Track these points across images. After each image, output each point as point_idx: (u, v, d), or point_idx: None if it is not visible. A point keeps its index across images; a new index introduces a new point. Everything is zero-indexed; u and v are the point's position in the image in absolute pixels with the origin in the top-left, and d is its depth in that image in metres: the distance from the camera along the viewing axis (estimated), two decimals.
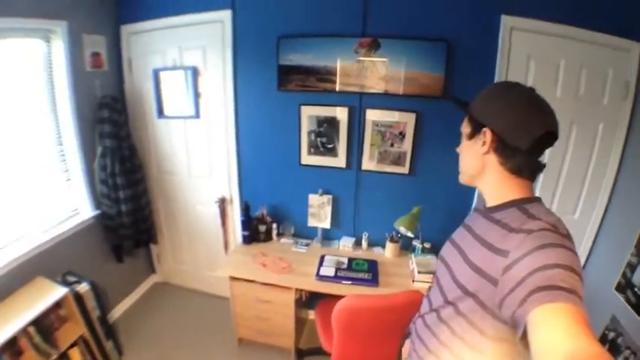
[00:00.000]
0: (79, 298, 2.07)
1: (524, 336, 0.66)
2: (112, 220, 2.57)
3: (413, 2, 2.12)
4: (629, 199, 2.08)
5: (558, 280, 0.65)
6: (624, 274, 1.94)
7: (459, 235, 1.05)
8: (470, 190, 2.39)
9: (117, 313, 2.80)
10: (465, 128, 0.98)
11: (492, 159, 0.91)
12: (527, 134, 0.84)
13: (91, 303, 2.16)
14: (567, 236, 0.76)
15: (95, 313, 2.20)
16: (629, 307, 1.88)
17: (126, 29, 2.56)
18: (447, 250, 1.08)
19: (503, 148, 0.88)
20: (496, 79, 2.12)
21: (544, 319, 0.61)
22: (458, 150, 1.04)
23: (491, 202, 0.95)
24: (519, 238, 0.77)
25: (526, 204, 0.87)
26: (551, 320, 0.60)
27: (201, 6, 2.35)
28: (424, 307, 1.11)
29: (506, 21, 2.07)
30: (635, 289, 1.86)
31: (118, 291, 2.87)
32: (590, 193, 2.25)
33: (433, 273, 2.04)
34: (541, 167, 0.90)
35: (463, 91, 2.15)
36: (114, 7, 2.53)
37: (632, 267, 1.90)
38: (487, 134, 0.89)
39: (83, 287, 2.13)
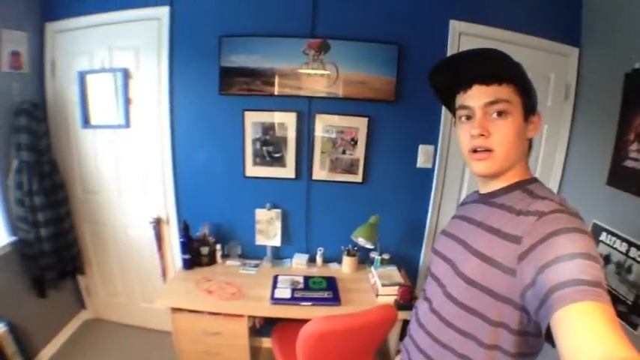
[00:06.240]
0: None
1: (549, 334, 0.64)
2: (30, 248, 2.32)
3: (364, 4, 2.18)
4: (574, 198, 2.25)
5: (580, 273, 0.63)
6: None
7: (454, 226, 1.03)
8: (425, 196, 2.45)
9: (44, 358, 2.51)
10: (512, 106, 0.85)
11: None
12: None
13: (10, 348, 1.95)
14: (577, 215, 0.76)
15: None
16: None
17: (51, 27, 2.39)
18: (442, 243, 1.04)
19: None
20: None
21: (571, 321, 0.60)
22: (486, 129, 0.85)
23: (491, 188, 0.94)
24: (530, 222, 0.77)
25: (528, 184, 0.88)
26: (578, 323, 0.59)
27: (137, 1, 2.26)
28: (422, 308, 1.04)
29: (455, 26, 2.20)
30: None
31: (44, 331, 2.58)
32: None
33: (398, 285, 2.08)
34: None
35: (415, 95, 2.22)
36: (38, 2, 2.35)
37: None
38: (539, 118, 0.88)
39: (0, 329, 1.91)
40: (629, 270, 1.85)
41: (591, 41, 2.17)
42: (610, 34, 2.04)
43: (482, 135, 0.85)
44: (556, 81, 2.24)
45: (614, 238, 1.95)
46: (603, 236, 2.01)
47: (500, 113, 0.84)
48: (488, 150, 0.86)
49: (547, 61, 2.22)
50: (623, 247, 1.89)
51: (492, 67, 0.86)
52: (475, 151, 0.88)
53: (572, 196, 2.28)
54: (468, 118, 0.90)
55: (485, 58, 0.87)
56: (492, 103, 0.84)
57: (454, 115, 0.97)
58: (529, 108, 0.87)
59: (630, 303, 1.83)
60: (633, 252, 1.84)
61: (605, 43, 2.08)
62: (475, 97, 0.87)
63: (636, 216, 1.84)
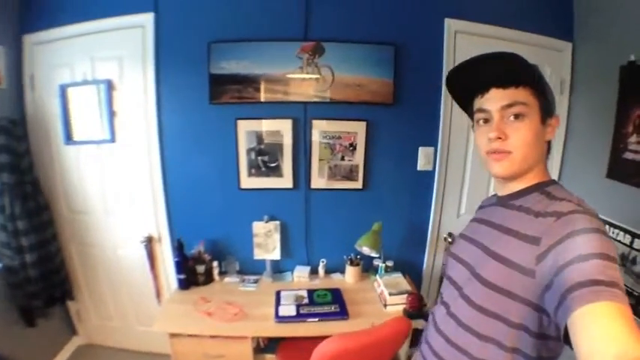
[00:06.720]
0: None
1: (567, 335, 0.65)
2: (15, 275, 2.21)
3: (357, 4, 2.15)
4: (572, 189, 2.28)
5: (596, 274, 0.64)
6: None
7: (471, 229, 1.04)
8: (427, 199, 2.42)
9: None
10: (529, 108, 0.85)
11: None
12: None
13: None
14: (596, 215, 0.77)
15: None
16: None
17: (29, 39, 2.28)
18: (460, 246, 1.04)
19: None
20: (443, 82, 2.20)
21: (587, 322, 0.61)
22: (504, 132, 0.86)
23: (509, 190, 0.95)
24: (548, 223, 0.77)
25: (546, 186, 0.89)
26: (594, 323, 0.60)
27: (119, 9, 2.15)
28: (439, 313, 1.04)
29: (450, 24, 2.20)
30: None
31: None
32: None
33: (406, 292, 2.03)
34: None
35: (413, 97, 2.20)
36: (16, 13, 2.24)
37: None
38: (557, 120, 0.89)
39: None
40: (634, 261, 1.87)
41: (584, 36, 2.21)
42: (602, 28, 2.08)
43: (500, 138, 0.86)
44: (551, 76, 2.26)
45: (617, 231, 1.97)
46: (606, 229, 2.02)
47: (517, 116, 0.86)
48: (506, 151, 0.87)
49: (542, 57, 2.22)
50: (627, 239, 1.91)
51: (509, 71, 0.88)
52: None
53: (572, 191, 2.31)
54: (486, 121, 0.91)
55: (502, 62, 0.88)
56: (509, 105, 0.86)
57: (472, 118, 0.97)
58: (546, 110, 0.88)
59: (638, 294, 1.85)
60: (637, 243, 1.86)
61: (598, 37, 2.12)
62: (492, 100, 0.88)
63: (638, 207, 1.86)
